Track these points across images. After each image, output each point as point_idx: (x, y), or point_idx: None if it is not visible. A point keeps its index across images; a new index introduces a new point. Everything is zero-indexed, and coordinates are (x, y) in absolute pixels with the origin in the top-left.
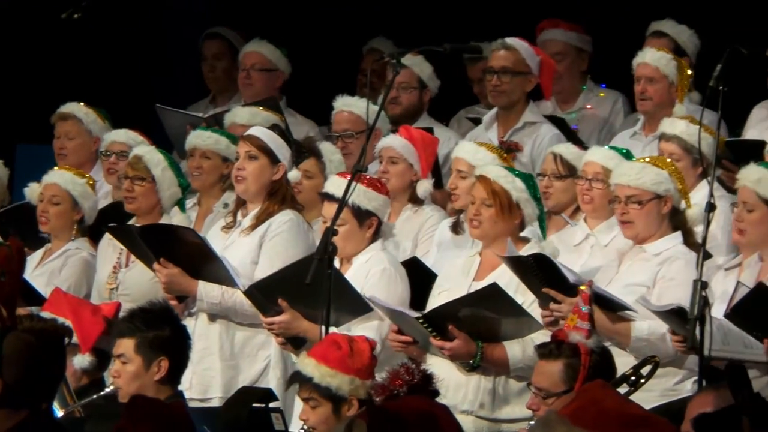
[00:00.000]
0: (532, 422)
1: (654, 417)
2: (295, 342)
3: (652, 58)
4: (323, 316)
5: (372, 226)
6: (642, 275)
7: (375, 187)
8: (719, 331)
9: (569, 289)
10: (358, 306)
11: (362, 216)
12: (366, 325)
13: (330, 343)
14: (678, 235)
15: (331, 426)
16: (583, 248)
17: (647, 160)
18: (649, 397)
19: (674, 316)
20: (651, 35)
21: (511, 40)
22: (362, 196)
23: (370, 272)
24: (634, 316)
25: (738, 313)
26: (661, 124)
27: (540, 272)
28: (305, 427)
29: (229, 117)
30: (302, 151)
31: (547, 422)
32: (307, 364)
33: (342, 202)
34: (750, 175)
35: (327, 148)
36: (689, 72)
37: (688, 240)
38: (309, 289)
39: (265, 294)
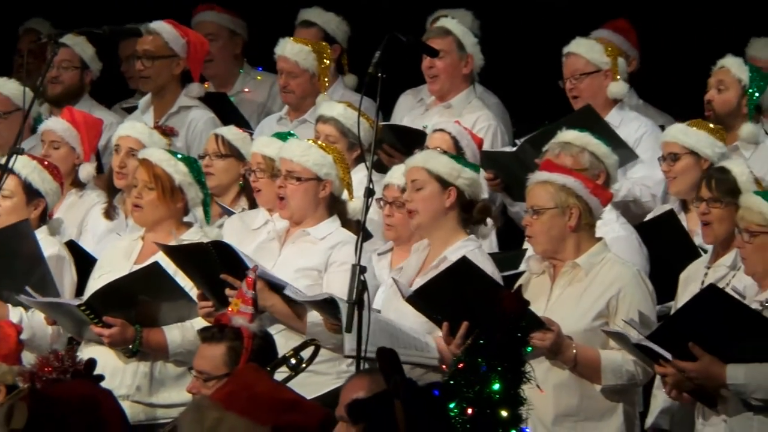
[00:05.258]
0: None
1: (305, 401)
2: None
3: (291, 52)
4: None
5: (38, 208)
6: (313, 259)
7: (52, 172)
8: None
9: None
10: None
11: (32, 194)
12: None
13: None
14: (335, 219)
15: None
16: (261, 233)
17: (317, 142)
18: (325, 380)
19: (326, 305)
20: (300, 24)
21: (154, 24)
22: (36, 174)
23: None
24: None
25: (423, 294)
26: (319, 107)
27: (219, 258)
28: None
29: None
30: None
31: (198, 407)
32: None
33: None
34: (417, 156)
35: None
36: (328, 62)
37: (345, 222)
38: None
39: None
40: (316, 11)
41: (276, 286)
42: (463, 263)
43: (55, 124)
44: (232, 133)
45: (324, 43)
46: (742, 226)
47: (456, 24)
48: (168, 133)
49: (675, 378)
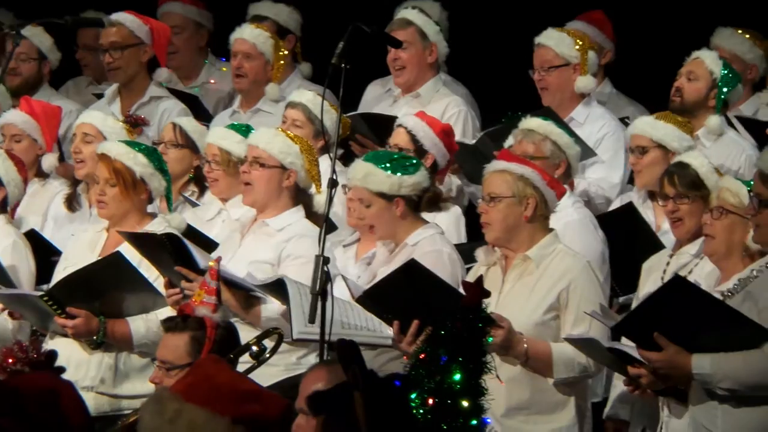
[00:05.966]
0: None
1: (266, 392)
2: None
3: (250, 35)
4: None
5: None
6: (267, 252)
7: (17, 164)
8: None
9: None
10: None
11: None
12: None
13: None
14: (299, 209)
15: None
16: (215, 223)
17: (285, 132)
18: (274, 371)
19: (278, 287)
20: (251, 20)
21: (116, 16)
22: (1, 162)
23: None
24: (262, 296)
25: (373, 295)
26: (291, 94)
27: (173, 251)
28: None
29: None
30: None
31: (158, 399)
32: None
33: None
34: (356, 173)
35: None
36: (285, 52)
37: (310, 215)
38: None
39: None
40: (265, 5)
41: (230, 282)
42: (412, 265)
43: (15, 117)
44: (191, 124)
45: (281, 41)
46: (716, 203)
47: (417, 14)
48: (139, 122)
49: (648, 380)
